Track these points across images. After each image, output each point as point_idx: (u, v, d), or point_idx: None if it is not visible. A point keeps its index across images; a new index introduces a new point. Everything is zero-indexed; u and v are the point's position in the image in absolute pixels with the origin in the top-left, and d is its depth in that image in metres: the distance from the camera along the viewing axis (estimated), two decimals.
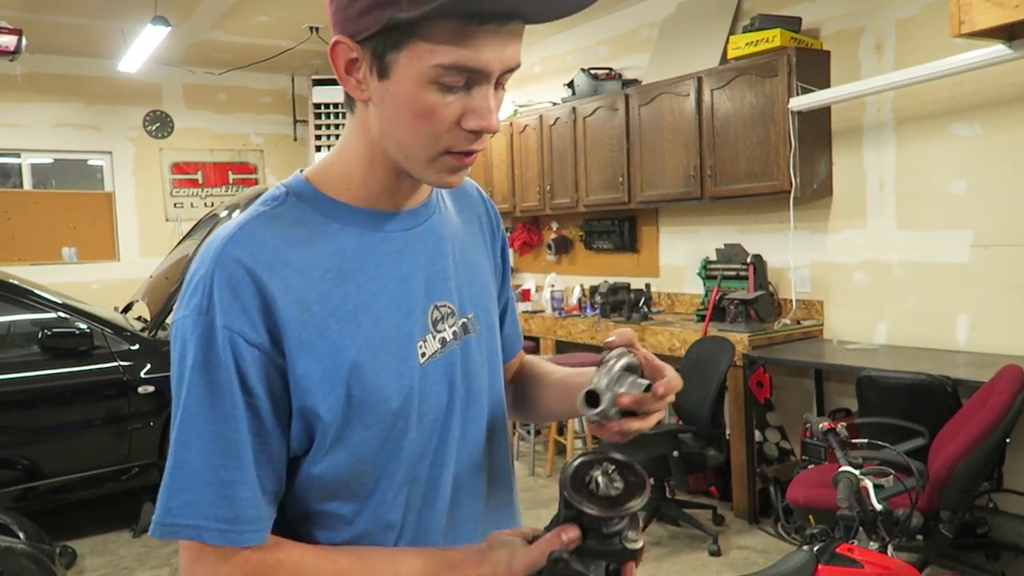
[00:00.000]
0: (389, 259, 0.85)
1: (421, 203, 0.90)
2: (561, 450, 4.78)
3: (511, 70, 0.78)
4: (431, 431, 0.85)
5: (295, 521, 0.84)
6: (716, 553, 3.46)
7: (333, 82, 6.48)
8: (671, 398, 0.83)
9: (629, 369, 0.84)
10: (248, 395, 0.76)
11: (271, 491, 0.80)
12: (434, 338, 0.86)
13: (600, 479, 0.74)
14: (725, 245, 4.36)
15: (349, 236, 0.83)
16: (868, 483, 2.08)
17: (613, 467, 0.75)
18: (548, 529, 0.76)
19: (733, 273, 4.23)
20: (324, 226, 0.83)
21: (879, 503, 2.08)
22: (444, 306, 0.89)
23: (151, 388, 3.89)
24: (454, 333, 0.89)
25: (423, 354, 0.85)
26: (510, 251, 1.09)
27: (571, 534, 0.72)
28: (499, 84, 0.79)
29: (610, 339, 0.85)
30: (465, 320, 0.91)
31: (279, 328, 0.76)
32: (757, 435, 3.90)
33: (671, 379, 0.83)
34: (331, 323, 0.79)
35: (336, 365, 0.78)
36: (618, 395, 0.80)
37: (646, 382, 0.83)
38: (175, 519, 0.75)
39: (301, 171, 0.89)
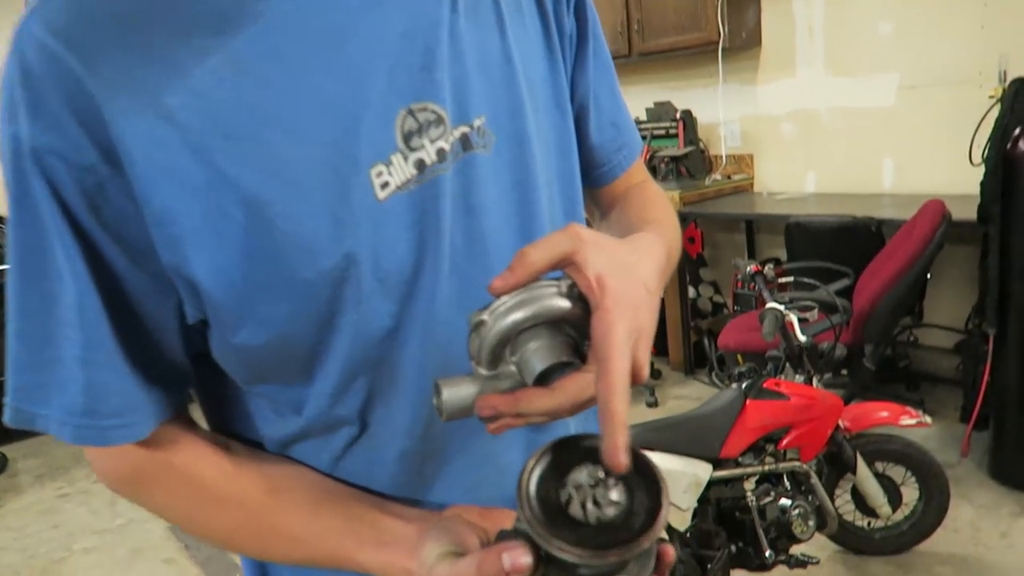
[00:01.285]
0: (326, 38, 0.54)
1: None
2: None
3: None
4: (395, 296, 0.57)
5: (232, 404, 0.64)
6: (653, 405, 3.55)
7: None
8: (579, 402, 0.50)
9: (548, 322, 0.49)
10: (85, 240, 0.52)
11: (151, 373, 0.57)
12: (405, 160, 0.56)
13: (582, 492, 0.43)
14: (655, 104, 4.26)
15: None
16: (793, 318, 2.11)
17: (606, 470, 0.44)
18: (502, 537, 0.47)
19: (663, 132, 4.14)
20: None
21: (804, 337, 2.12)
22: (425, 109, 0.57)
23: None
24: (439, 151, 0.58)
25: (383, 184, 0.55)
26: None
27: (519, 561, 0.45)
28: None
29: (529, 256, 0.48)
30: (466, 130, 0.60)
31: (115, 145, 0.49)
32: (691, 291, 3.95)
33: (614, 380, 0.45)
34: (214, 140, 0.51)
35: (221, 204, 0.51)
36: (483, 393, 0.50)
37: (562, 359, 0.48)
38: (22, 403, 0.54)
39: None
